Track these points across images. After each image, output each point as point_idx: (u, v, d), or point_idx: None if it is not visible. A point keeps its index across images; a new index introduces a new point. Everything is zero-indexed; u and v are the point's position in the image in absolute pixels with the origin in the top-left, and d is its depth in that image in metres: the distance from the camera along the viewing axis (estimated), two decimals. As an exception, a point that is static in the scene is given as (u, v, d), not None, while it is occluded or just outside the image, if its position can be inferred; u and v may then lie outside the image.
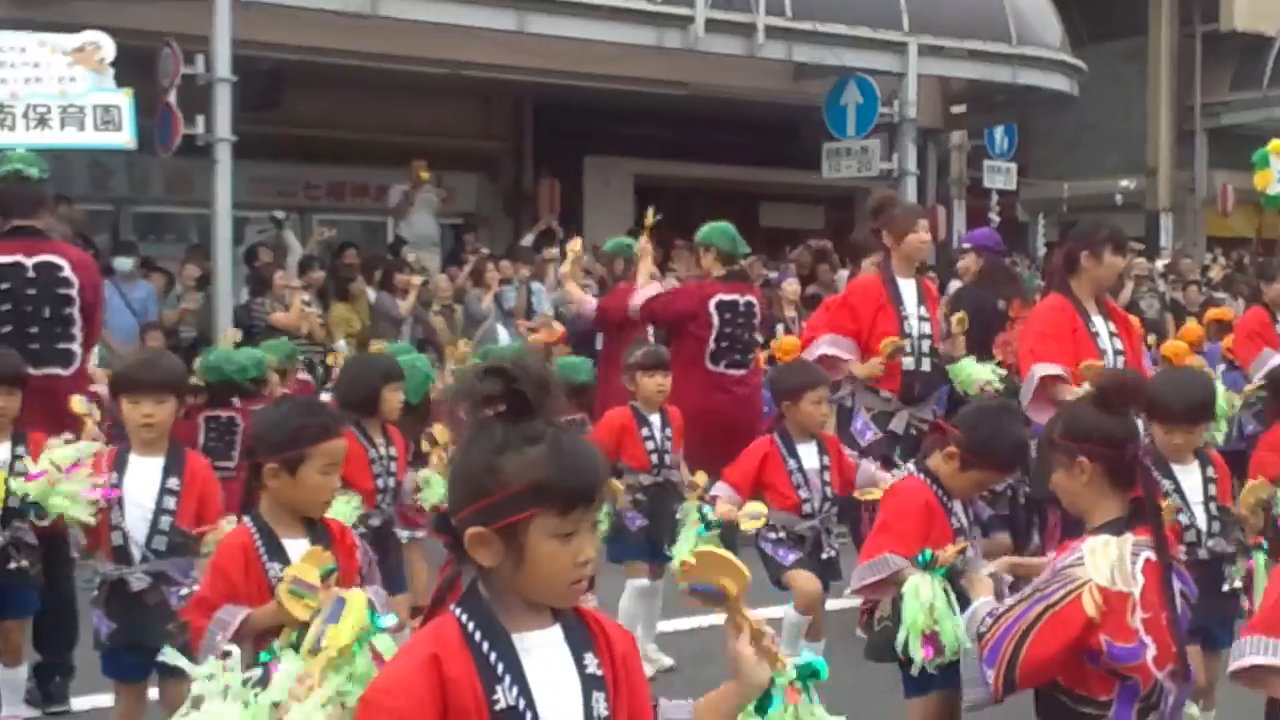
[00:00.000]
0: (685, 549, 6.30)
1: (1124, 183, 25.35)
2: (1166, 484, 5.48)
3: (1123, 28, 25.26)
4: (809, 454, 6.64)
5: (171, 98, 12.98)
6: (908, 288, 8.14)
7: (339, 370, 8.44)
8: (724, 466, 8.15)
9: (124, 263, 13.65)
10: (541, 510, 2.48)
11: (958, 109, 21.19)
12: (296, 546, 4.19)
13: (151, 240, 18.00)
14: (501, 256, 16.07)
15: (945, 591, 4.69)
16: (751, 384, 9.85)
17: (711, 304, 9.56)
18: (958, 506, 5.06)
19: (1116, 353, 7.26)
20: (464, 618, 2.54)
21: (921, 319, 8.09)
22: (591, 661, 2.59)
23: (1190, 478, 5.59)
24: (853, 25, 16.62)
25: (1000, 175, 22.06)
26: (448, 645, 2.51)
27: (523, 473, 2.48)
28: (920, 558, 4.80)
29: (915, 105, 17.16)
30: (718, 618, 2.84)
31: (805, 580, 6.50)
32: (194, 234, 17.74)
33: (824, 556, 6.64)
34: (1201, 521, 5.58)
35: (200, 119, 12.90)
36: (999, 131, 22.08)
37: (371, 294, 14.28)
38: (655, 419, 7.59)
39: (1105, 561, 3.68)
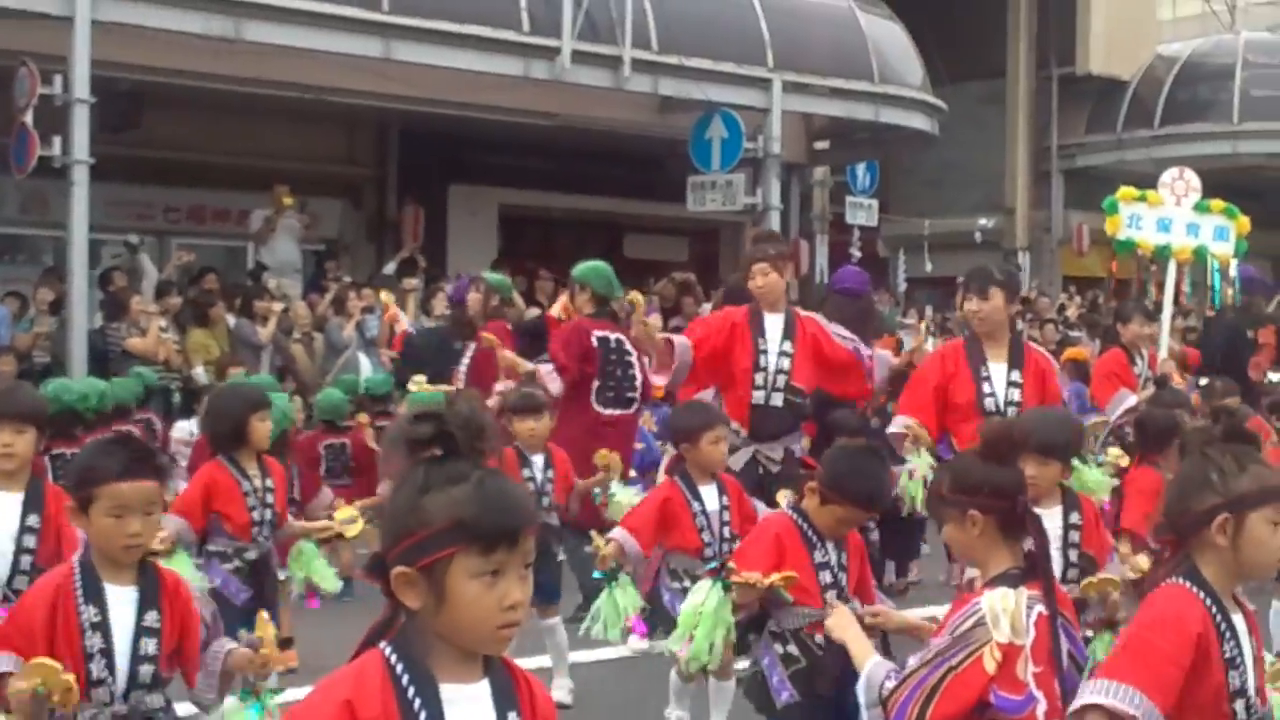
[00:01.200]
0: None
1: (982, 221, 25.74)
2: None
3: (982, 69, 25.69)
4: (710, 495, 6.55)
5: (28, 118, 12.75)
6: (773, 321, 8.05)
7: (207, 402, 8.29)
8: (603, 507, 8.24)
9: (-25, 285, 13.37)
10: (462, 549, 2.47)
11: (821, 145, 21.44)
12: (121, 594, 4.04)
13: (4, 262, 17.63)
14: (364, 284, 15.94)
15: (721, 602, 4.92)
16: (633, 426, 9.92)
17: (594, 340, 9.58)
18: (830, 545, 5.12)
19: (1009, 403, 7.36)
20: (393, 658, 2.52)
21: (781, 354, 7.97)
22: None
23: (1051, 520, 5.35)
24: (718, 60, 16.76)
25: (862, 211, 22.30)
26: (366, 687, 2.49)
27: (444, 511, 2.48)
28: (713, 563, 5.03)
29: (779, 141, 17.33)
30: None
31: None
32: (48, 256, 17.41)
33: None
34: (1057, 566, 5.39)
35: (57, 140, 12.66)
36: (861, 168, 22.33)
37: (231, 320, 14.10)
38: (538, 460, 7.60)
39: (1004, 615, 3.71)
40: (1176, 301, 13.04)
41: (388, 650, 2.53)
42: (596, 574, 6.46)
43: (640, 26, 16.00)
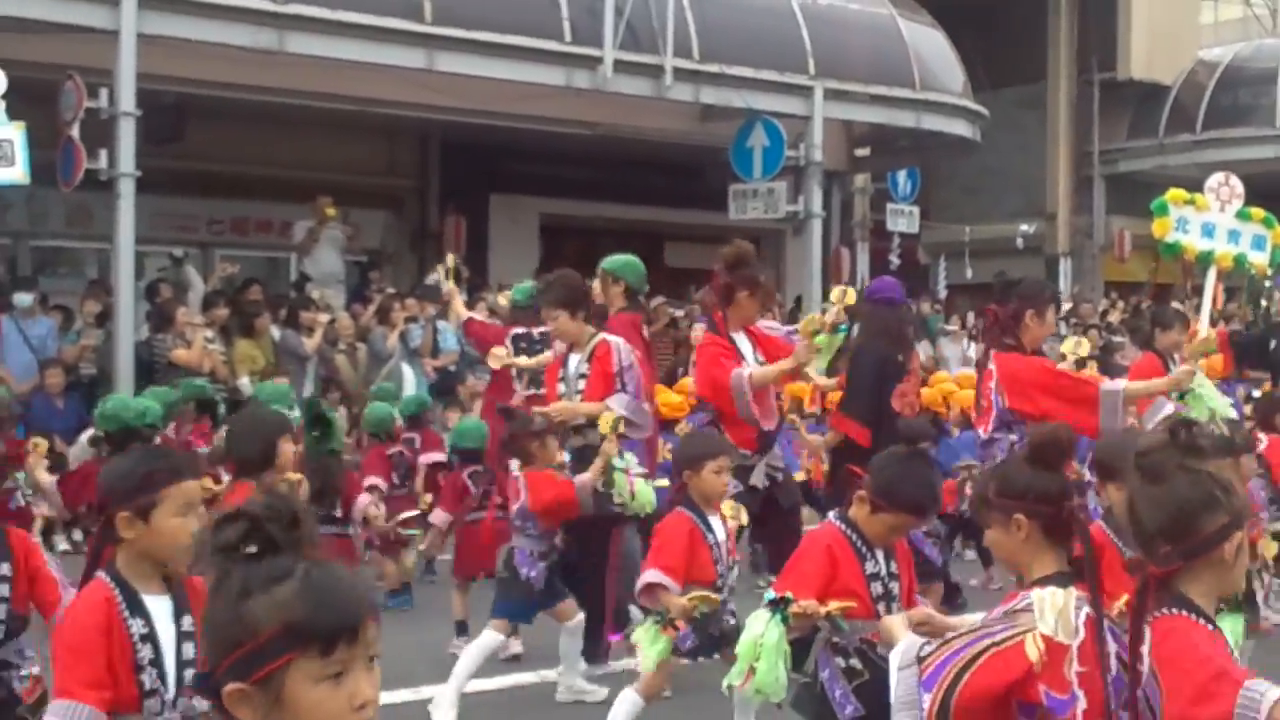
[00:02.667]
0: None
1: (1024, 227, 25.68)
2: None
3: (1023, 75, 25.66)
4: (717, 525, 6.48)
5: (74, 131, 12.84)
6: (742, 342, 8.12)
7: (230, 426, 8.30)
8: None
9: (23, 299, 13.46)
10: (299, 654, 2.23)
11: (862, 152, 21.41)
12: (158, 604, 4.01)
13: (50, 275, 17.74)
14: (407, 294, 15.99)
15: (781, 635, 4.83)
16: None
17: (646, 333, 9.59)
18: (879, 554, 5.08)
19: None
20: None
21: (760, 364, 8.07)
22: None
23: None
24: (759, 69, 16.76)
25: (903, 218, 22.27)
26: None
27: (272, 616, 2.24)
28: (768, 595, 4.92)
29: (821, 148, 17.31)
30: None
31: (664, 672, 6.41)
32: (93, 269, 17.52)
33: (725, 627, 6.39)
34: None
35: (103, 153, 12.75)
36: (902, 175, 22.30)
37: (275, 331, 14.15)
38: None
39: (1052, 611, 3.68)
40: (1215, 307, 12.96)
41: None
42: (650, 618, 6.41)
43: (681, 35, 16.02)
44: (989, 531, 4.07)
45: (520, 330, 10.86)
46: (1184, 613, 3.22)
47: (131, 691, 3.94)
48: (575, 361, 8.18)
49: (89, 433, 9.19)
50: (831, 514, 5.37)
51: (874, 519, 5.04)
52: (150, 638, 3.99)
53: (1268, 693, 3.10)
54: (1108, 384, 7.67)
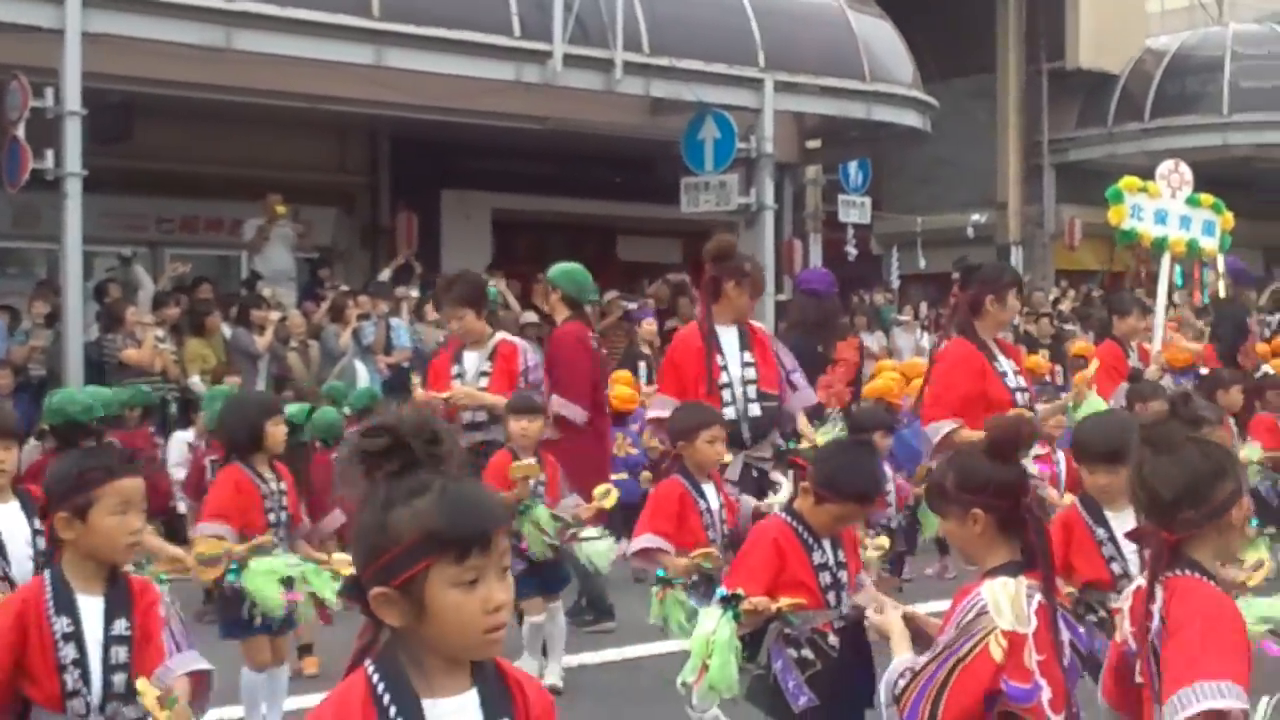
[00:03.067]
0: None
1: (975, 216, 25.79)
2: (1099, 531, 5.49)
3: (971, 65, 25.75)
4: (711, 493, 6.64)
5: (19, 131, 12.73)
6: (728, 335, 8.03)
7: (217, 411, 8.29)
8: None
9: (-31, 299, 13.35)
10: (436, 560, 2.43)
11: (813, 144, 21.44)
12: (90, 604, 4.05)
13: (-4, 275, 17.62)
14: (359, 291, 15.94)
15: (732, 632, 4.89)
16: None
17: (593, 341, 9.60)
18: (826, 543, 5.10)
19: (1020, 390, 7.39)
20: (375, 677, 2.48)
21: (745, 364, 7.97)
22: None
23: (1125, 523, 5.07)
24: (709, 61, 16.75)
25: (855, 209, 22.33)
26: (348, 711, 2.47)
27: (412, 525, 2.43)
28: (721, 594, 4.97)
29: (772, 140, 17.32)
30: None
31: None
32: (41, 269, 17.39)
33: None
34: (1135, 569, 5.23)
35: (49, 153, 12.65)
36: (853, 166, 22.35)
37: (227, 330, 14.09)
38: (531, 462, 7.67)
39: (1006, 601, 3.72)
40: (1169, 294, 13.07)
41: (371, 670, 2.49)
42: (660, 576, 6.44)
43: (631, 29, 16.00)
44: (944, 523, 4.10)
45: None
46: (1197, 575, 3.35)
47: (53, 690, 3.95)
48: (474, 359, 8.18)
49: (37, 455, 9.12)
50: (777, 507, 5.41)
51: (819, 510, 5.07)
52: (75, 637, 4.02)
53: (1199, 703, 3.20)
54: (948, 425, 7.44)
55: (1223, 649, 3.24)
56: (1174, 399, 3.57)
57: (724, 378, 7.91)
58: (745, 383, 7.95)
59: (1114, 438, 5.45)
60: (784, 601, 4.97)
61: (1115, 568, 5.43)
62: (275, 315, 14.36)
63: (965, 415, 7.18)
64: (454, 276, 8.90)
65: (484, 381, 8.11)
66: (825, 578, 5.06)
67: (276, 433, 6.65)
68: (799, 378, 8.33)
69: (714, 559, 6.27)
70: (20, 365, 13.01)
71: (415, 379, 9.02)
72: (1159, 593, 3.37)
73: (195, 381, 13.10)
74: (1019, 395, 7.34)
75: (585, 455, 9.02)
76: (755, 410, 7.93)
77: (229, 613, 6.52)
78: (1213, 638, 3.26)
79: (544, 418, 8.00)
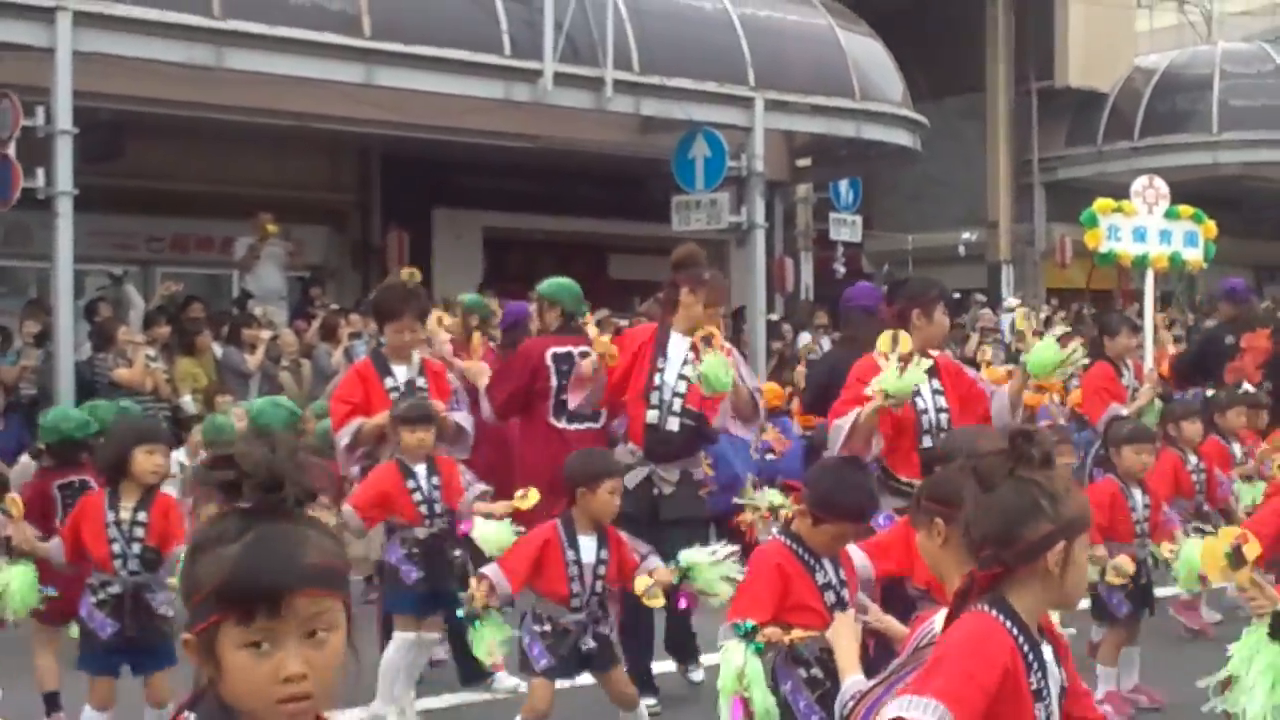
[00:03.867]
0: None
1: (966, 235, 25.85)
2: None
3: (961, 84, 25.84)
4: (588, 546, 6.41)
5: (10, 150, 12.72)
6: (678, 344, 7.89)
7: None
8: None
9: (-41, 318, 13.32)
10: (224, 617, 2.23)
11: (803, 162, 21.48)
12: None
13: (-14, 295, 17.60)
14: (350, 310, 15.93)
15: (759, 660, 4.88)
16: (599, 439, 9.79)
17: (548, 358, 9.52)
18: (827, 563, 5.11)
19: (938, 410, 7.06)
20: None
21: (680, 377, 7.80)
22: None
23: None
24: (700, 80, 16.79)
25: (846, 228, 22.36)
26: None
27: (209, 575, 2.25)
28: (738, 628, 4.94)
29: (762, 159, 17.35)
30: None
31: (542, 692, 6.37)
32: (32, 288, 17.37)
33: (584, 649, 6.43)
34: None
35: (40, 171, 12.64)
36: (844, 185, 22.39)
37: (218, 349, 14.07)
38: (421, 469, 7.48)
39: None
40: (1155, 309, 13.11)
41: (189, 715, 2.34)
42: (460, 614, 6.43)
43: (621, 48, 16.03)
44: (918, 535, 4.10)
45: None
46: (994, 613, 3.15)
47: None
48: (404, 372, 8.12)
49: (35, 475, 9.10)
50: (775, 530, 5.40)
51: (817, 531, 5.08)
52: None
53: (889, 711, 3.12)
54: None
55: (950, 673, 3.09)
56: (1014, 433, 3.38)
57: (655, 380, 7.79)
58: (675, 394, 7.79)
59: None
60: (796, 634, 4.99)
61: None
62: (266, 334, 14.34)
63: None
64: (414, 288, 8.80)
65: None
66: (830, 597, 5.08)
67: (146, 461, 6.51)
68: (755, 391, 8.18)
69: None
70: (11, 385, 12.97)
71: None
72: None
73: (187, 401, 13.07)
74: (923, 417, 7.02)
75: (526, 461, 9.02)
76: (673, 424, 7.76)
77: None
78: (946, 661, 3.12)
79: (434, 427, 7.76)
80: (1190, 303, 21.87)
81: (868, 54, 19.08)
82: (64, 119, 12.67)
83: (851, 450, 6.78)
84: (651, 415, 7.76)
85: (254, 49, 13.80)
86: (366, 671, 8.32)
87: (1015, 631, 3.14)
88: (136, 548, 6.45)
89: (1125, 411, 9.98)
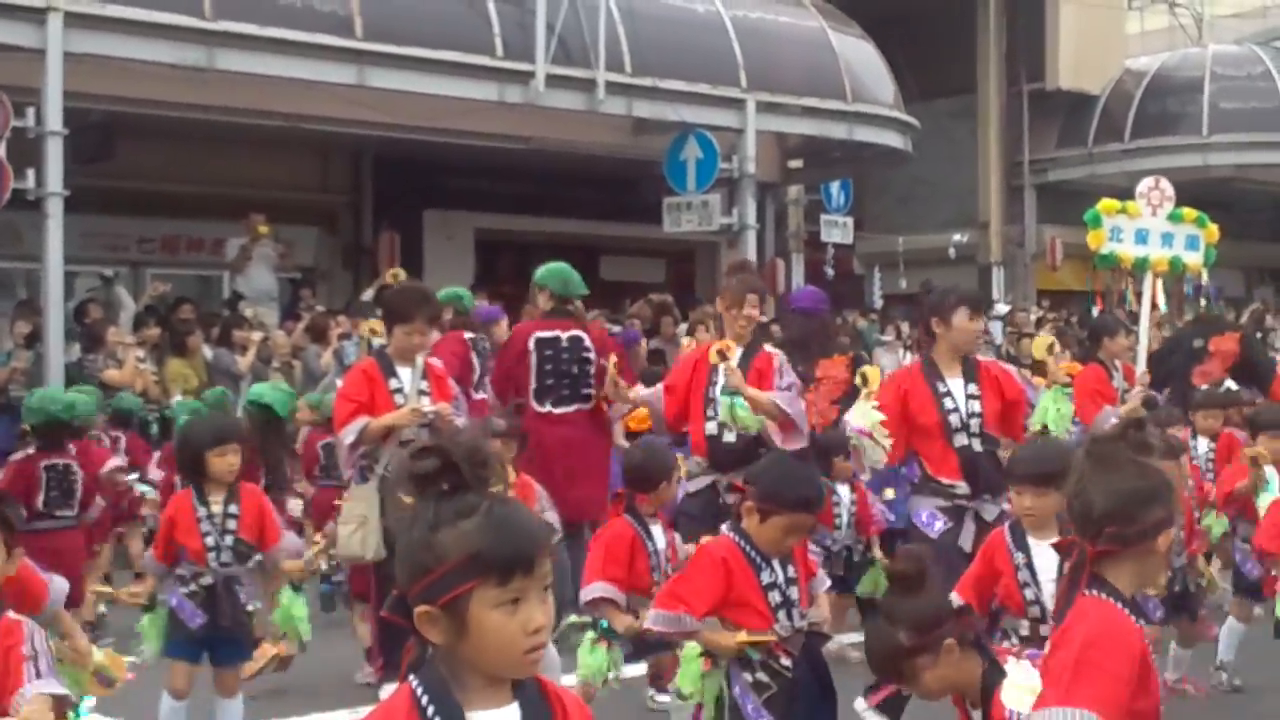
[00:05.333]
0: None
1: (956, 236, 25.86)
2: (1018, 556, 5.39)
3: (952, 86, 25.85)
4: (659, 534, 6.63)
5: (0, 151, 12.68)
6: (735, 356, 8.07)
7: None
8: (566, 508, 8.24)
9: (-50, 320, 13.28)
10: (480, 581, 2.48)
11: (795, 164, 21.46)
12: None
13: (-24, 296, 17.54)
14: (340, 311, 15.90)
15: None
16: (591, 422, 9.82)
17: (530, 341, 9.57)
18: (776, 563, 5.09)
19: (971, 415, 7.17)
20: (419, 690, 2.54)
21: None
22: None
23: (1045, 553, 5.17)
24: (692, 82, 16.78)
25: (837, 229, 22.37)
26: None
27: (458, 545, 2.48)
28: (601, 624, 5.15)
29: (754, 160, 17.34)
30: None
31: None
32: (22, 289, 17.32)
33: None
34: (1048, 599, 5.15)
35: (30, 172, 12.60)
36: (835, 186, 22.41)
37: (208, 350, 14.05)
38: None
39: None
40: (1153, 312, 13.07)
41: (415, 684, 2.54)
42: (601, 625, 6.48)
43: (613, 49, 16.02)
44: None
45: (470, 335, 10.84)
46: (1109, 599, 3.30)
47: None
48: (409, 375, 8.13)
49: (19, 455, 9.11)
50: (725, 526, 5.39)
51: (766, 526, 5.06)
52: None
53: None
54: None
55: (1094, 676, 3.17)
56: (1127, 423, 3.58)
57: (710, 393, 8.01)
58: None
59: (1046, 461, 5.38)
60: (742, 636, 4.98)
61: (1028, 594, 5.35)
62: (257, 335, 14.32)
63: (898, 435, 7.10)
64: (428, 292, 8.80)
65: (426, 400, 8.06)
66: (775, 597, 5.05)
67: (221, 463, 6.65)
68: (791, 397, 8.25)
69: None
70: (1, 386, 12.94)
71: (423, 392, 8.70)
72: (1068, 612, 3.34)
73: (177, 402, 13.04)
74: (951, 416, 7.16)
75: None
76: (730, 436, 7.98)
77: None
78: (1086, 663, 3.19)
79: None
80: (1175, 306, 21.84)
81: (859, 56, 19.08)
82: (54, 120, 12.64)
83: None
84: (710, 428, 7.99)
85: (245, 50, 13.78)
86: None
87: (1132, 615, 3.30)
88: (229, 539, 6.61)
89: (1118, 414, 9.97)
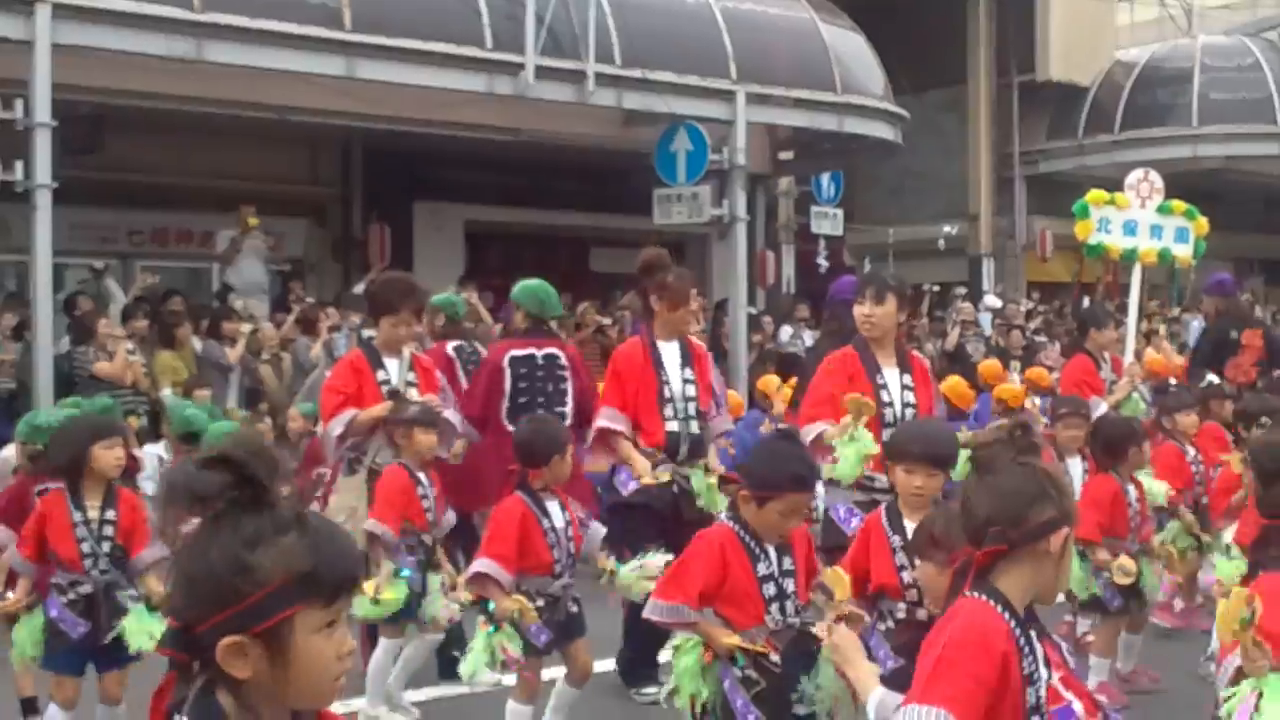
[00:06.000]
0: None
1: (946, 228, 25.87)
2: (894, 538, 5.44)
3: (942, 77, 25.86)
4: (555, 511, 6.50)
5: (-11, 143, 12.67)
6: (669, 350, 8.06)
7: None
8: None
9: (-61, 312, 13.26)
10: (306, 604, 2.27)
11: (785, 155, 21.46)
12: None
13: (-36, 288, 17.51)
14: (330, 303, 15.88)
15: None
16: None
17: (505, 360, 9.54)
18: (773, 553, 5.10)
19: (905, 405, 7.18)
20: None
21: (686, 381, 8.01)
22: None
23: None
24: (682, 73, 16.76)
25: (827, 221, 22.37)
26: None
27: (280, 565, 2.25)
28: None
29: (744, 152, 17.34)
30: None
31: (534, 674, 6.45)
32: (11, 281, 17.30)
33: (563, 617, 6.50)
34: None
35: (19, 164, 12.57)
36: (825, 178, 22.40)
37: (197, 343, 14.03)
38: (421, 476, 7.56)
39: None
40: (1140, 305, 13.10)
41: None
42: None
43: (603, 41, 16.00)
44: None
45: (457, 343, 10.87)
46: (987, 599, 3.23)
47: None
48: (396, 367, 8.11)
49: (9, 447, 9.06)
50: (723, 515, 5.40)
51: (763, 512, 5.07)
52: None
53: None
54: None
55: (953, 675, 3.15)
56: (1011, 425, 3.52)
57: (666, 393, 7.95)
58: (686, 399, 7.99)
59: (941, 442, 5.46)
60: (736, 640, 5.00)
61: (905, 576, 5.37)
62: (247, 328, 14.30)
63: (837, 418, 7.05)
64: (410, 282, 8.75)
65: (414, 392, 8.05)
66: (770, 589, 5.07)
67: (105, 456, 6.41)
68: (723, 400, 8.42)
69: (527, 612, 6.21)
70: (-11, 378, 12.94)
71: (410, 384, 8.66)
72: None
73: (166, 394, 13.03)
74: (887, 411, 7.12)
75: (478, 468, 9.09)
76: (694, 428, 7.99)
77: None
78: (946, 661, 3.17)
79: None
80: (1177, 298, 21.91)
81: (849, 47, 19.07)
82: (43, 112, 12.60)
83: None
84: (672, 425, 7.92)
85: (234, 42, 13.73)
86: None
87: (1008, 617, 3.22)
88: (106, 546, 6.39)
89: (1105, 405, 10.01)
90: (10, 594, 6.56)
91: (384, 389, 7.96)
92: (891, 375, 7.27)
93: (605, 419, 7.95)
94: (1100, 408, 9.83)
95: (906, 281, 8.03)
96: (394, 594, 7.00)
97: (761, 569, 5.05)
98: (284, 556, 2.25)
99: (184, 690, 2.31)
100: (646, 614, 5.21)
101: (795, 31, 18.54)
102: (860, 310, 7.35)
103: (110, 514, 6.41)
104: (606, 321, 16.72)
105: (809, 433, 7.03)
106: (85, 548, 6.34)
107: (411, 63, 14.80)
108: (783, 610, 5.06)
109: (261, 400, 13.72)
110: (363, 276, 17.88)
